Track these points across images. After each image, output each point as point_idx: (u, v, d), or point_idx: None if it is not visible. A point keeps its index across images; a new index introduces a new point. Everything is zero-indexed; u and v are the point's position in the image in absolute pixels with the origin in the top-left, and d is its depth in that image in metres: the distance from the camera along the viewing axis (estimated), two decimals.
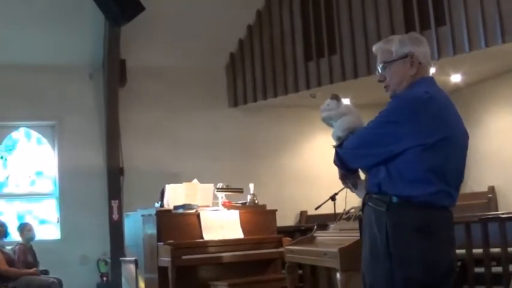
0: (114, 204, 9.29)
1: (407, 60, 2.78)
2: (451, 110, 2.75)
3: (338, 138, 2.87)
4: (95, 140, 9.51)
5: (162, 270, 5.91)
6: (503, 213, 6.64)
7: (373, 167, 2.72)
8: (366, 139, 2.74)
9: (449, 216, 2.70)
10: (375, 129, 2.71)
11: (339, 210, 5.51)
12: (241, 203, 6.66)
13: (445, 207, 2.66)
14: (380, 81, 2.89)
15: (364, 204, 2.82)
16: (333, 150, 2.92)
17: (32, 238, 8.11)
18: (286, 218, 9.50)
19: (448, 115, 2.71)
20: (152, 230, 6.16)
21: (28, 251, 7.97)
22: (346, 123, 2.85)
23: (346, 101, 9.93)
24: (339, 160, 2.84)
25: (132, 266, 6.88)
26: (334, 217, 5.57)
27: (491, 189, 8.88)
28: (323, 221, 5.73)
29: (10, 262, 7.67)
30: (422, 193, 2.59)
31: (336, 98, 2.96)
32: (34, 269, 7.81)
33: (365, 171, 2.85)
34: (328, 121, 2.95)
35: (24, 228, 8.10)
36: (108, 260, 9.18)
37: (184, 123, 9.87)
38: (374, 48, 2.93)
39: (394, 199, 2.64)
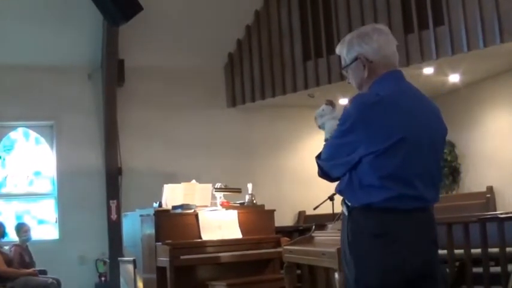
0: (113, 204, 9.29)
1: (358, 62, 2.71)
2: (411, 107, 2.61)
3: (325, 141, 2.86)
4: (93, 140, 9.51)
5: (161, 270, 5.90)
6: (501, 213, 6.63)
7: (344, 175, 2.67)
8: (331, 151, 2.70)
9: (419, 218, 2.58)
10: (336, 139, 2.67)
11: (337, 210, 5.49)
12: (240, 203, 6.65)
13: (412, 210, 2.55)
14: (349, 82, 2.86)
15: None
16: None
17: (28, 239, 8.11)
18: (285, 218, 9.51)
19: (406, 114, 2.57)
20: (150, 230, 6.15)
21: (24, 252, 7.97)
22: (332, 127, 2.83)
23: (344, 101, 9.91)
24: (321, 171, 2.79)
25: (131, 266, 6.88)
26: (333, 217, 5.57)
27: (490, 189, 8.87)
28: (321, 221, 5.72)
29: (8, 262, 7.66)
30: (381, 199, 2.51)
31: (331, 103, 2.96)
32: (32, 269, 7.81)
33: None
34: (322, 126, 2.95)
35: (21, 229, 8.09)
36: (107, 260, 9.18)
37: (182, 123, 9.87)
38: (337, 52, 2.87)
39: (355, 205, 2.59)
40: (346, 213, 2.63)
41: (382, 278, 2.50)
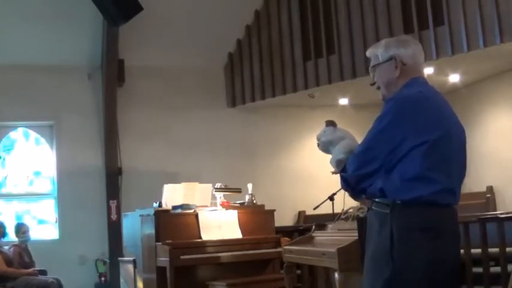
0: (113, 204, 9.29)
1: (392, 62, 2.82)
2: (445, 108, 2.76)
3: (339, 162, 2.83)
4: (93, 139, 9.51)
5: (161, 270, 5.91)
6: (501, 213, 6.63)
7: (376, 173, 2.67)
8: (370, 144, 2.69)
9: (453, 214, 2.70)
10: (376, 134, 2.67)
11: (337, 210, 5.51)
12: (240, 203, 6.66)
13: (449, 205, 2.66)
14: (372, 84, 2.94)
15: (368, 210, 2.82)
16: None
17: (27, 240, 8.10)
18: (285, 218, 9.51)
19: (444, 112, 2.73)
20: (150, 230, 6.15)
21: (23, 252, 7.97)
22: (348, 146, 2.82)
23: (344, 101, 9.89)
24: (346, 184, 2.79)
25: (131, 266, 6.89)
26: (333, 217, 5.56)
27: (490, 189, 8.88)
28: (321, 221, 5.72)
29: (8, 262, 7.67)
30: (427, 192, 2.57)
31: (332, 123, 2.96)
32: (32, 269, 7.81)
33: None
34: (327, 146, 2.92)
35: (20, 230, 8.09)
36: (107, 260, 9.18)
37: (182, 123, 9.87)
38: (367, 54, 2.98)
39: (398, 201, 2.61)
40: (387, 211, 2.63)
41: (427, 271, 2.57)
